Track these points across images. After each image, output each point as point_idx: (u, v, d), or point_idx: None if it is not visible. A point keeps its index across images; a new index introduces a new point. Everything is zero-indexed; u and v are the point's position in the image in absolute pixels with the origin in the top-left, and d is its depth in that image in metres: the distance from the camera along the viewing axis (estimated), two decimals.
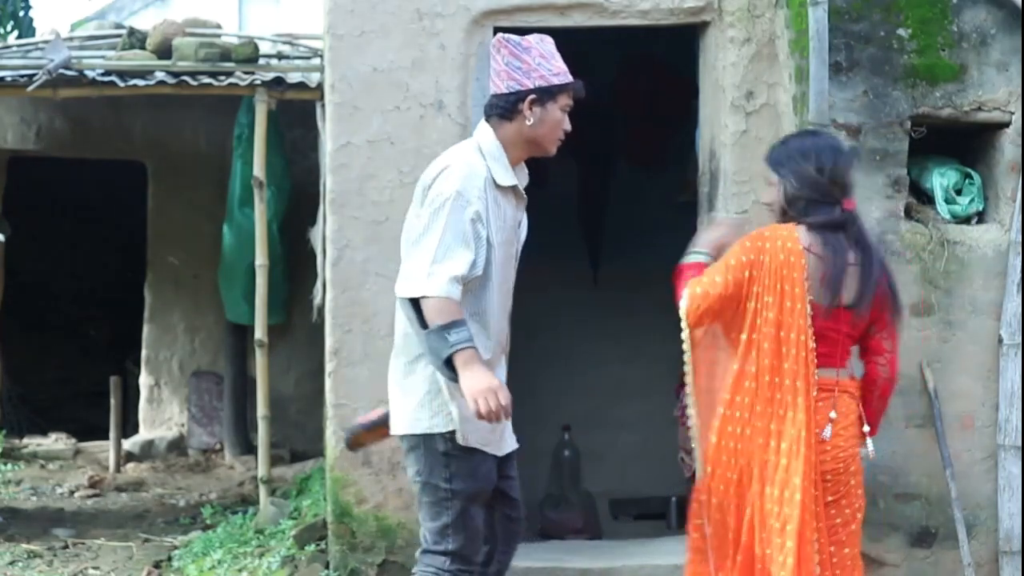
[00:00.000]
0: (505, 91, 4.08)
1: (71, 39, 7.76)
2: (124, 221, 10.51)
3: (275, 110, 7.03)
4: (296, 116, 7.85)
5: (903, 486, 5.15)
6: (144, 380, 9.35)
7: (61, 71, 6.87)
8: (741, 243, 4.20)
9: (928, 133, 5.19)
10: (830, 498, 4.13)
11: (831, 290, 4.09)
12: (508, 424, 4.08)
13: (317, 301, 6.62)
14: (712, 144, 5.66)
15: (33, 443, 9.51)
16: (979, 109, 5.19)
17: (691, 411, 4.27)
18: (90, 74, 6.99)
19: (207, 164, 9.00)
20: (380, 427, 4.21)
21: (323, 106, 5.99)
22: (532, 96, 4.03)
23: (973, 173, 5.27)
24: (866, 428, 4.23)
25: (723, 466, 4.16)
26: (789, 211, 4.18)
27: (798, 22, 5.18)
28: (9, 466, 8.83)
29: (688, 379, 4.24)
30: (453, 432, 3.98)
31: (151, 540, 7.00)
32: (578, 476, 6.97)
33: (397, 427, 4.09)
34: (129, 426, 9.36)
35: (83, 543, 6.93)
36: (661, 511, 6.83)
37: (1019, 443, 5.11)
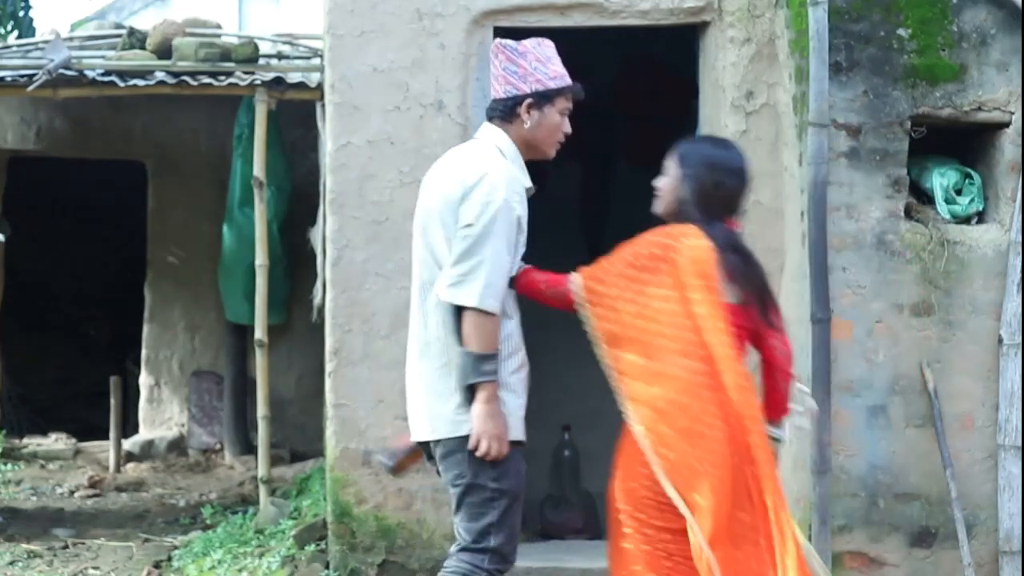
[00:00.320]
0: (503, 96, 4.08)
1: (71, 39, 7.76)
2: (124, 221, 10.51)
3: (275, 110, 7.03)
4: (296, 116, 7.85)
5: (903, 486, 5.15)
6: (144, 380, 9.35)
7: (61, 71, 6.87)
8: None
9: (928, 133, 5.19)
10: None
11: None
12: None
13: (317, 301, 6.62)
14: None
15: (33, 443, 9.51)
16: (979, 109, 5.19)
17: None
18: (90, 74, 6.99)
19: (207, 164, 9.00)
20: (418, 450, 4.19)
21: (323, 106, 5.99)
22: (529, 100, 4.04)
23: (973, 173, 5.27)
24: (797, 406, 4.13)
25: None
26: (679, 209, 4.01)
27: (798, 22, 5.18)
28: (9, 466, 8.83)
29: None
30: None
31: (151, 540, 7.00)
32: (578, 476, 6.97)
33: (437, 432, 4.00)
34: (129, 426, 9.35)
35: (83, 543, 6.93)
36: None
37: (1019, 443, 5.11)
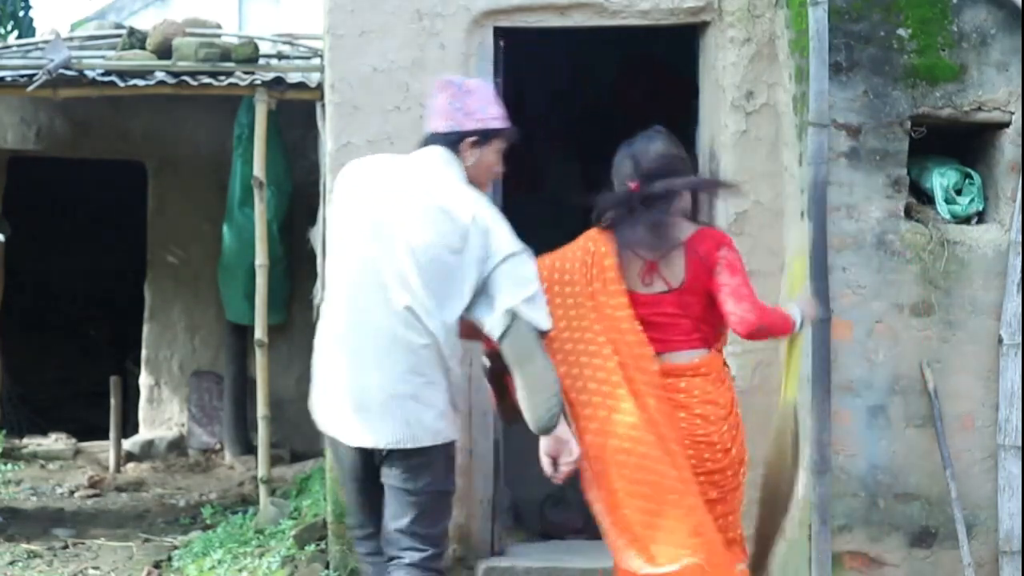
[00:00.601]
0: (444, 130, 4.17)
1: (71, 39, 7.77)
2: (124, 221, 10.51)
3: (275, 110, 7.03)
4: (296, 116, 7.85)
5: (903, 486, 5.15)
6: (144, 380, 9.35)
7: (61, 71, 6.87)
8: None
9: (928, 133, 5.19)
10: None
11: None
12: None
13: (317, 301, 6.62)
14: (712, 144, 5.66)
15: (33, 443, 9.51)
16: (979, 109, 5.19)
17: None
18: (90, 74, 6.99)
19: (207, 164, 9.00)
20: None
21: (323, 106, 5.99)
22: (473, 138, 4.15)
23: (973, 173, 5.27)
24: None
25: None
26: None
27: (798, 22, 5.18)
28: (9, 466, 8.83)
29: None
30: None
31: (151, 540, 7.00)
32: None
33: (418, 440, 4.04)
34: (129, 426, 9.36)
35: (83, 543, 6.93)
36: None
37: (1019, 443, 5.10)
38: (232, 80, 6.98)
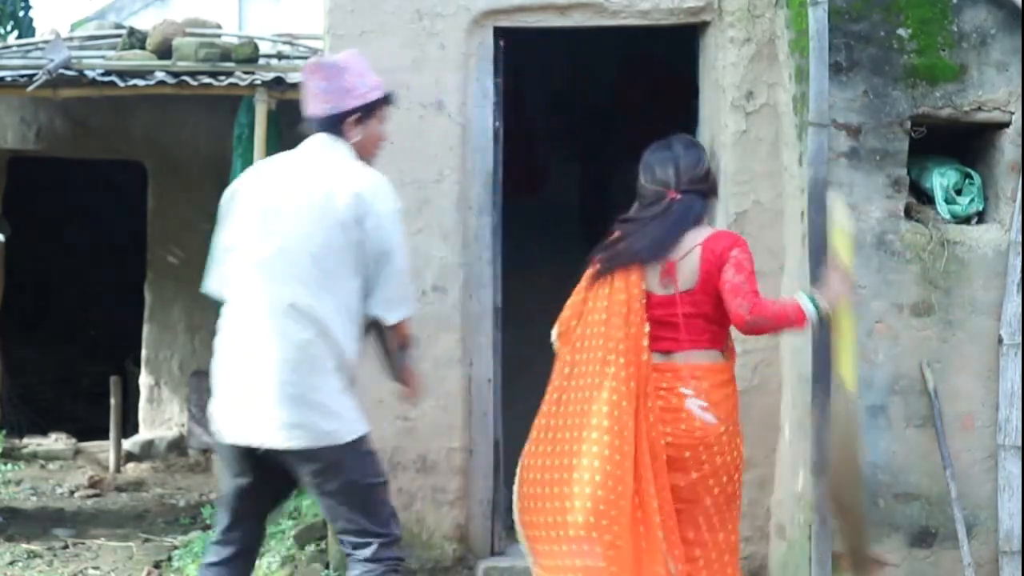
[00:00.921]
0: (324, 114, 4.18)
1: (71, 39, 7.77)
2: (124, 221, 10.51)
3: (275, 110, 7.03)
4: (296, 116, 7.80)
5: (903, 486, 5.15)
6: (144, 380, 9.35)
7: (61, 71, 6.87)
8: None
9: (928, 133, 5.19)
10: None
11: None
12: None
13: None
14: (712, 144, 5.66)
15: (33, 443, 9.51)
16: (979, 109, 5.18)
17: None
18: (90, 74, 6.99)
19: (207, 164, 9.00)
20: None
21: None
22: (356, 115, 4.15)
23: (973, 173, 5.26)
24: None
25: None
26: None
27: (798, 22, 5.18)
28: (9, 466, 8.84)
29: None
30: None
31: (151, 540, 7.01)
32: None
33: (340, 436, 3.98)
34: (129, 426, 9.36)
35: (83, 543, 6.93)
36: None
37: (1019, 443, 5.10)
38: (232, 80, 6.98)
